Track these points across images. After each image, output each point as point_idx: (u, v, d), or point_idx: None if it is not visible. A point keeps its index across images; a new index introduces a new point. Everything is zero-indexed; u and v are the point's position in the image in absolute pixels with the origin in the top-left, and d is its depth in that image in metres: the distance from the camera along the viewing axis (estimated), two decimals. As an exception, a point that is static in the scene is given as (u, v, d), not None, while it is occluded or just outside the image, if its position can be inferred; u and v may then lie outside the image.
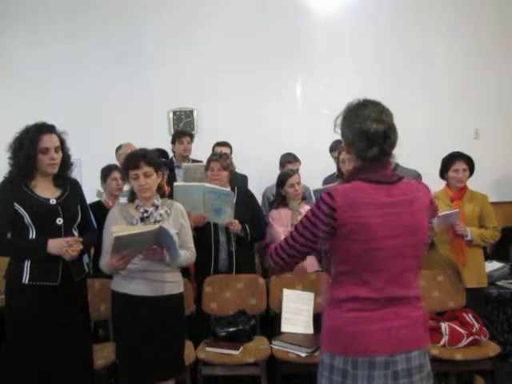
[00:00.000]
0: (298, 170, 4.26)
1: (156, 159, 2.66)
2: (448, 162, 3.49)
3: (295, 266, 1.81)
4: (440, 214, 3.24)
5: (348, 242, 1.64)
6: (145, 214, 2.61)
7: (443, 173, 3.53)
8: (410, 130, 5.12)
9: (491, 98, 5.13)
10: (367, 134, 1.66)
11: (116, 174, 3.60)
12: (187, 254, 2.68)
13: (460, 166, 3.44)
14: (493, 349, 3.08)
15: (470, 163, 3.46)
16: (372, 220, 1.62)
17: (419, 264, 1.74)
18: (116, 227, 2.42)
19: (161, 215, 2.63)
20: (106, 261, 2.54)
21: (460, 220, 3.34)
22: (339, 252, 1.68)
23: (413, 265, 1.70)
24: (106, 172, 3.64)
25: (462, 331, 3.09)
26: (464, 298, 3.37)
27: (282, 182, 3.61)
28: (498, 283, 3.82)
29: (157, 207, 2.64)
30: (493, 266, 3.87)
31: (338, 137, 1.79)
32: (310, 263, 3.47)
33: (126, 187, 3.43)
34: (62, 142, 2.59)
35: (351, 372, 1.63)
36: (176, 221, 2.68)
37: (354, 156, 1.72)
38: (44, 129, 2.51)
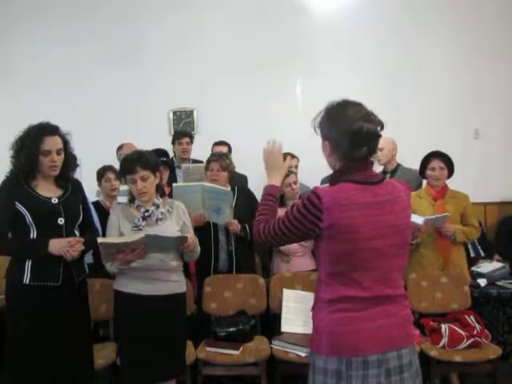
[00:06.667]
0: (296, 166, 4.27)
1: (152, 161, 2.62)
2: (425, 160, 3.54)
3: (282, 246, 1.78)
4: (428, 217, 3.27)
5: (336, 243, 1.65)
6: (146, 214, 2.60)
7: (423, 172, 3.57)
8: (410, 130, 5.21)
9: (491, 97, 5.13)
10: (358, 133, 1.65)
11: (110, 175, 3.60)
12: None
13: (436, 164, 3.47)
14: (493, 351, 3.06)
15: (447, 162, 3.48)
16: (359, 221, 1.63)
17: (404, 263, 1.76)
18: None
19: (162, 213, 2.63)
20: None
21: (448, 223, 3.35)
22: (327, 253, 1.69)
23: (399, 264, 1.72)
24: (100, 173, 3.65)
25: (462, 333, 3.08)
26: (469, 299, 3.37)
27: None
28: (498, 283, 3.80)
29: (158, 206, 2.63)
30: (493, 266, 3.86)
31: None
32: (309, 263, 3.56)
33: (122, 187, 3.44)
34: (66, 143, 2.57)
35: (345, 373, 1.63)
36: (179, 219, 2.69)
37: (338, 157, 1.73)
38: (47, 130, 2.48)
